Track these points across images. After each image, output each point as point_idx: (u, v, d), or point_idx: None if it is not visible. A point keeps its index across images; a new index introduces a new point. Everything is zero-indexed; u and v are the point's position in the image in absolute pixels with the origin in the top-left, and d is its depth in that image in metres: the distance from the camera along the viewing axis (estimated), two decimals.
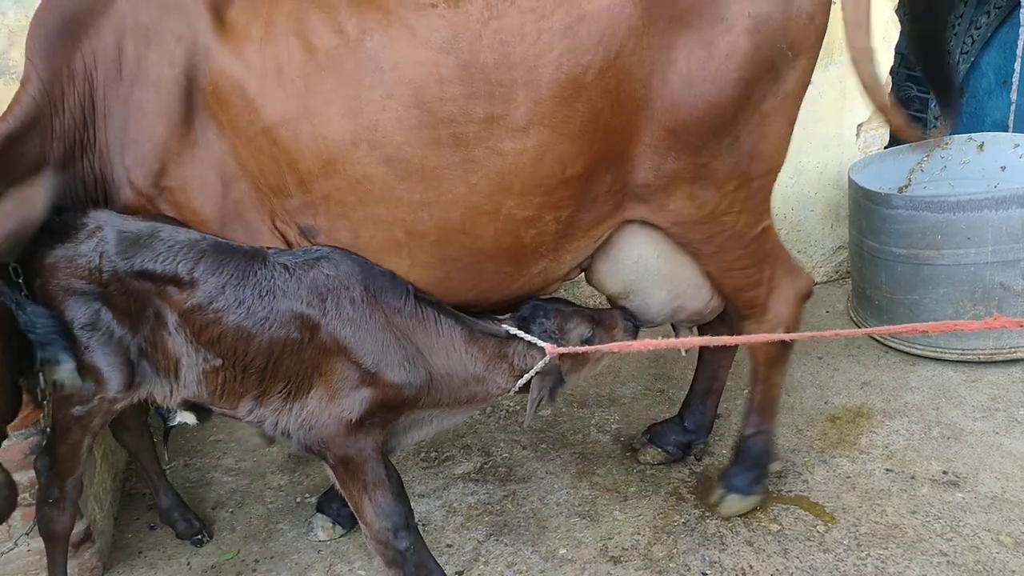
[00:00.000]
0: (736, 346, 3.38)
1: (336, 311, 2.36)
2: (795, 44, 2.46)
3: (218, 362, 2.37)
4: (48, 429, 2.52)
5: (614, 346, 2.56)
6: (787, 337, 2.58)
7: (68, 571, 2.70)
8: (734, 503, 3.10)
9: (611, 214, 2.62)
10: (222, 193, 2.46)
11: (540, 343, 2.53)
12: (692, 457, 3.47)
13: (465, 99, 2.30)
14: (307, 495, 3.40)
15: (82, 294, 2.32)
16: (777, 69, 2.47)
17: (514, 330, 2.55)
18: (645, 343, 2.39)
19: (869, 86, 2.70)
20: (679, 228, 2.66)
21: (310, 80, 2.33)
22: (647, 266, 2.77)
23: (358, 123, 2.33)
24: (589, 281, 2.91)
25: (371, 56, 2.31)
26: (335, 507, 3.15)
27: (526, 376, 2.55)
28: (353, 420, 2.37)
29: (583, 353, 2.62)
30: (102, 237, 2.32)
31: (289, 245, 2.52)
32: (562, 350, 2.53)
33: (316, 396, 2.39)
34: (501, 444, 3.68)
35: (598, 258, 2.79)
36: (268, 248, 2.44)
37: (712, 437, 3.55)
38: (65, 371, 2.32)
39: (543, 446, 3.64)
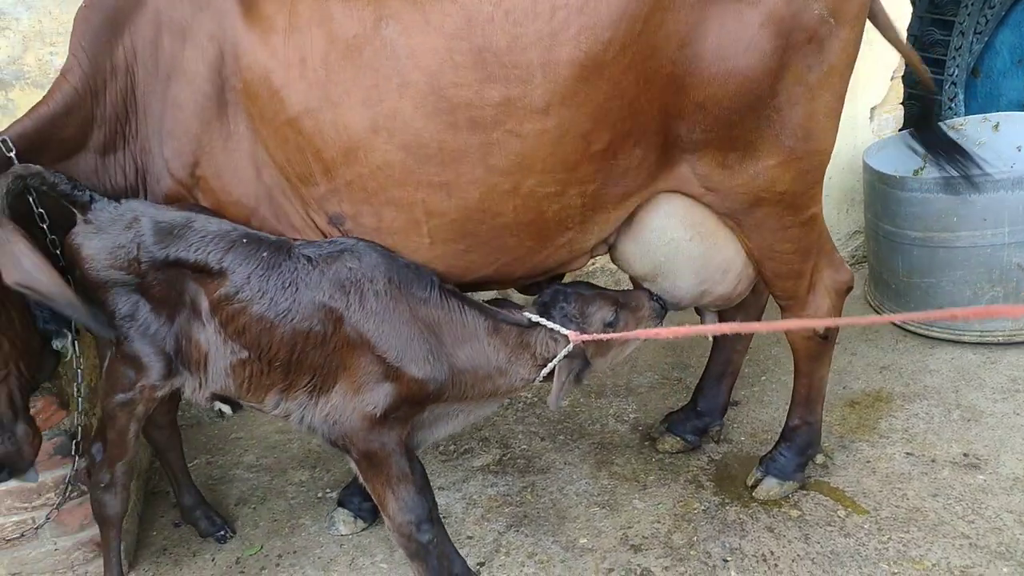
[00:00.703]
0: (751, 336, 3.37)
1: (359, 304, 2.36)
2: (837, 11, 2.41)
3: (244, 354, 2.40)
4: (79, 424, 2.60)
5: (639, 333, 2.54)
6: (818, 323, 2.46)
7: (93, 570, 2.73)
8: (772, 486, 3.11)
9: (643, 186, 2.59)
10: (255, 183, 2.53)
11: (562, 330, 2.49)
12: (711, 443, 3.47)
13: (480, 83, 2.31)
14: (328, 490, 3.43)
15: (122, 284, 2.37)
16: (820, 39, 2.42)
17: (536, 318, 2.52)
18: (672, 330, 2.37)
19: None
20: (715, 197, 2.63)
21: (331, 70, 2.37)
22: (678, 248, 2.75)
23: (377, 111, 2.36)
24: (615, 260, 2.89)
25: (387, 44, 2.33)
26: (356, 502, 3.18)
27: (549, 365, 2.52)
28: (377, 415, 2.38)
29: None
30: (139, 228, 2.36)
31: (323, 233, 2.58)
32: (585, 337, 2.48)
33: (340, 390, 2.41)
34: (519, 436, 3.69)
35: (627, 238, 2.76)
36: (294, 240, 2.47)
37: (731, 424, 3.55)
38: (62, 342, 2.55)
39: (561, 437, 3.65)
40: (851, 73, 2.59)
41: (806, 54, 2.42)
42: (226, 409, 2.59)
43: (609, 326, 2.56)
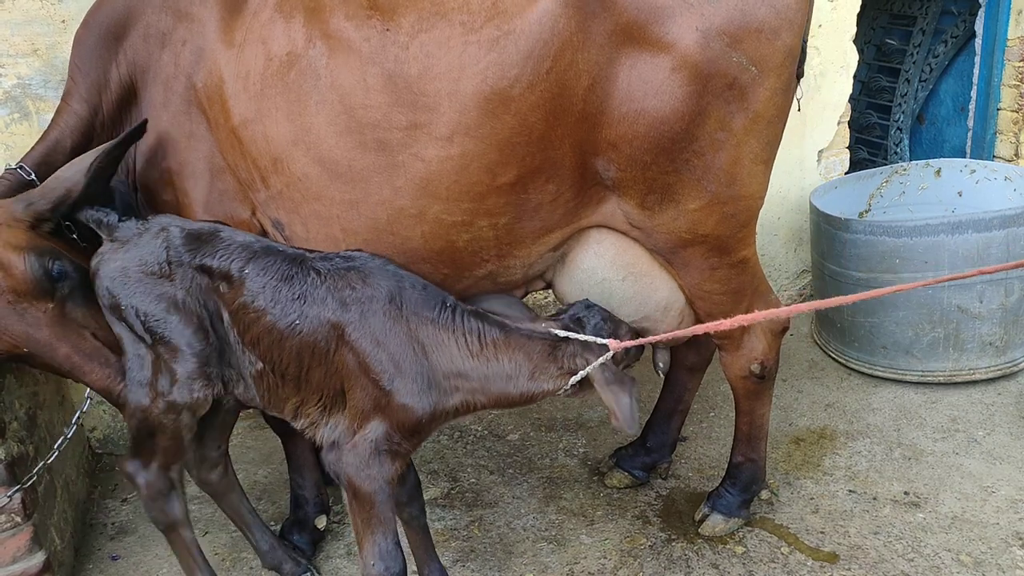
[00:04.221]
0: (703, 373, 3.41)
1: (359, 323, 2.33)
2: (759, 60, 2.43)
3: (260, 365, 2.41)
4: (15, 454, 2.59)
5: (676, 334, 2.50)
6: (845, 300, 2.17)
7: None
8: (717, 523, 3.13)
9: (565, 221, 2.64)
10: (210, 183, 2.65)
11: (599, 340, 2.39)
12: (659, 479, 3.49)
13: (389, 107, 2.42)
14: (272, 523, 3.36)
15: (154, 292, 2.38)
16: (741, 86, 2.44)
17: (564, 333, 2.42)
18: (704, 327, 2.29)
19: None
20: (640, 234, 2.68)
21: (266, 84, 2.52)
22: (611, 289, 2.77)
23: (297, 125, 2.50)
24: (556, 297, 2.93)
25: (311, 63, 2.48)
26: (295, 536, 3.13)
27: (580, 374, 2.40)
28: (370, 448, 2.33)
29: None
30: (168, 235, 2.41)
31: (271, 237, 2.68)
32: (627, 344, 2.40)
33: (343, 418, 2.39)
34: (468, 469, 3.68)
35: (562, 277, 2.81)
36: (311, 252, 2.46)
37: (678, 460, 3.57)
38: None
39: (510, 471, 3.64)
40: (783, 121, 2.62)
41: (727, 100, 2.45)
42: None
43: (626, 357, 2.50)
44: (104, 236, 2.45)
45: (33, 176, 2.61)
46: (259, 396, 2.48)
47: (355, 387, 2.34)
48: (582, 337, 2.40)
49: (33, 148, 2.71)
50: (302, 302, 2.34)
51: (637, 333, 2.55)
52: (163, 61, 2.62)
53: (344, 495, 2.45)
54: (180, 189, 2.67)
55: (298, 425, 2.48)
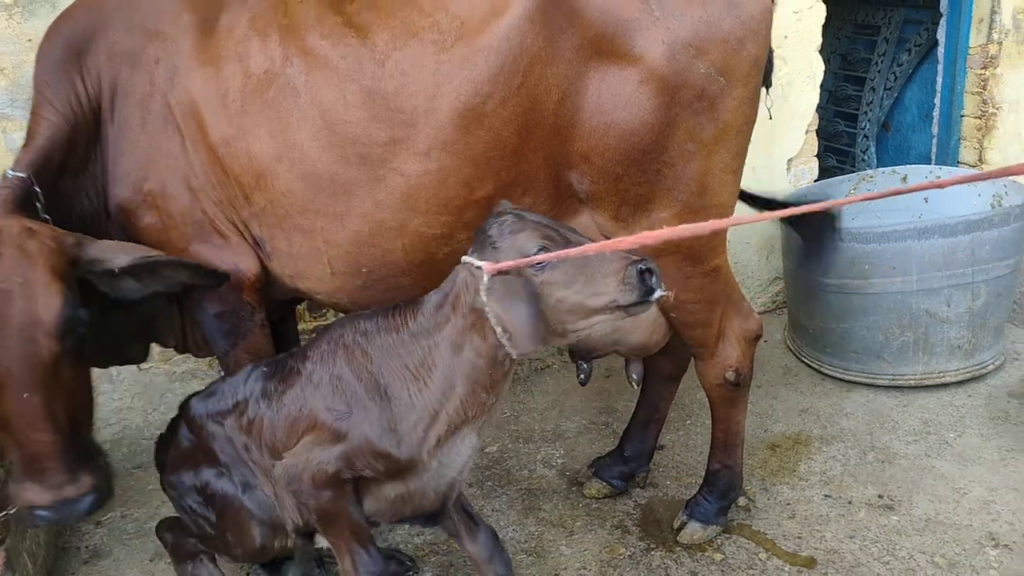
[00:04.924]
0: (678, 381, 3.43)
1: (319, 369, 2.41)
2: (726, 70, 2.49)
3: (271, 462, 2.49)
4: None
5: (561, 254, 2.00)
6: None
7: None
8: (695, 530, 3.15)
9: None
10: (191, 202, 2.62)
11: (475, 261, 2.09)
12: (637, 488, 3.50)
13: (368, 122, 2.46)
14: None
15: (196, 465, 2.60)
16: (710, 97, 2.50)
17: (466, 257, 2.16)
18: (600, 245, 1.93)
19: None
20: None
21: (246, 101, 2.53)
22: None
23: (280, 141, 2.52)
24: None
25: (290, 81, 2.50)
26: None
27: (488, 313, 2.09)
28: (326, 470, 2.34)
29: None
30: (186, 408, 2.66)
31: (256, 252, 2.71)
32: (500, 266, 2.03)
33: (299, 448, 2.41)
34: None
35: None
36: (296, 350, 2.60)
37: (656, 469, 3.59)
38: None
39: (489, 483, 3.64)
40: (751, 130, 2.67)
41: (696, 111, 2.50)
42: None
43: (535, 265, 2.04)
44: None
45: (35, 184, 2.45)
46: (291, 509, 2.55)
47: (316, 423, 2.37)
48: (464, 258, 2.14)
49: (20, 159, 2.55)
50: (281, 391, 2.46)
51: (544, 249, 2.05)
52: (135, 80, 2.59)
53: (316, 524, 2.48)
54: (164, 211, 2.63)
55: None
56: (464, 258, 2.16)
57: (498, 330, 2.12)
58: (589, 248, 1.94)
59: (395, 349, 2.32)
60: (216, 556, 2.69)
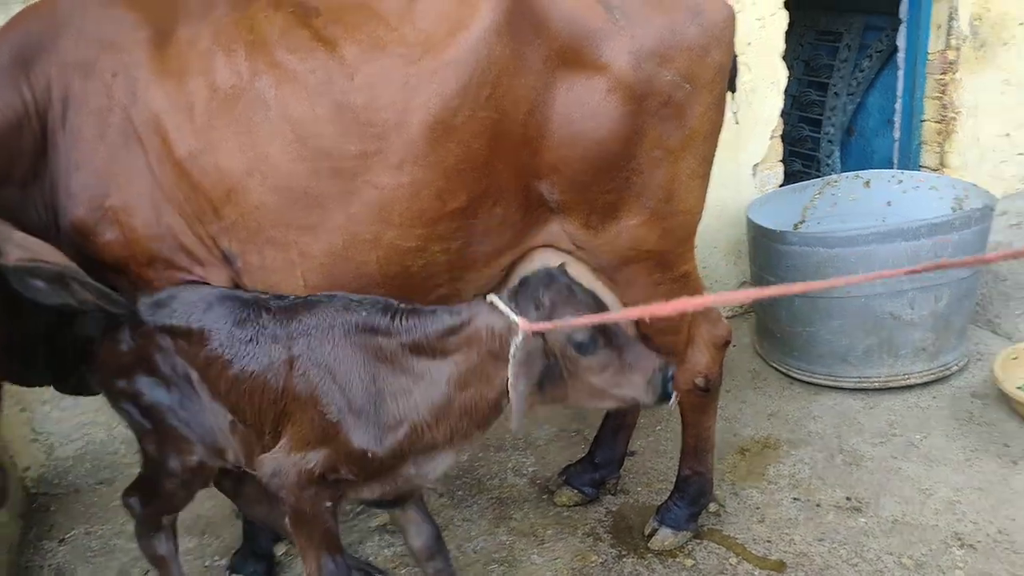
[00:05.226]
0: None
1: (307, 353, 2.30)
2: (692, 77, 2.52)
3: (230, 418, 2.40)
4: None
5: (608, 316, 2.11)
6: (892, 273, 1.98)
7: None
8: (667, 536, 3.15)
9: (513, 243, 2.69)
10: (156, 218, 2.56)
11: (512, 315, 2.11)
12: (608, 495, 3.50)
13: (339, 136, 2.44)
14: (217, 557, 3.30)
15: (136, 371, 2.44)
16: (677, 104, 2.53)
17: (494, 298, 2.18)
18: (640, 311, 1.98)
19: None
20: (585, 254, 2.73)
21: (213, 116, 2.48)
22: None
23: (251, 155, 2.48)
24: None
25: (259, 95, 2.47)
26: (249, 567, 3.07)
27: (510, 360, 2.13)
28: (311, 471, 2.30)
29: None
30: (135, 313, 2.46)
31: (225, 269, 2.63)
32: (537, 327, 2.08)
33: (288, 442, 2.34)
34: None
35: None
36: (264, 294, 2.49)
37: (627, 475, 3.59)
38: None
39: (460, 493, 3.62)
40: (717, 136, 2.70)
41: (663, 118, 2.53)
42: None
43: (579, 347, 2.12)
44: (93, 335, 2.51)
45: None
46: (240, 452, 2.46)
47: (301, 417, 2.31)
48: (500, 306, 2.16)
49: None
50: (254, 343, 2.34)
51: (594, 339, 2.15)
52: (89, 91, 2.53)
53: (287, 521, 2.43)
54: (127, 227, 2.56)
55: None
56: (493, 298, 2.19)
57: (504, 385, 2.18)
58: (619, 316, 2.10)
59: (392, 356, 2.28)
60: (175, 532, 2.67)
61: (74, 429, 3.84)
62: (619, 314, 2.16)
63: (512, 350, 2.10)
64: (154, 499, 2.58)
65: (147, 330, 2.42)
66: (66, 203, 2.55)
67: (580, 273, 2.73)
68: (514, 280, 2.79)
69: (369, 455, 2.27)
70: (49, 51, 2.53)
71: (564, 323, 2.07)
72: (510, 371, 2.11)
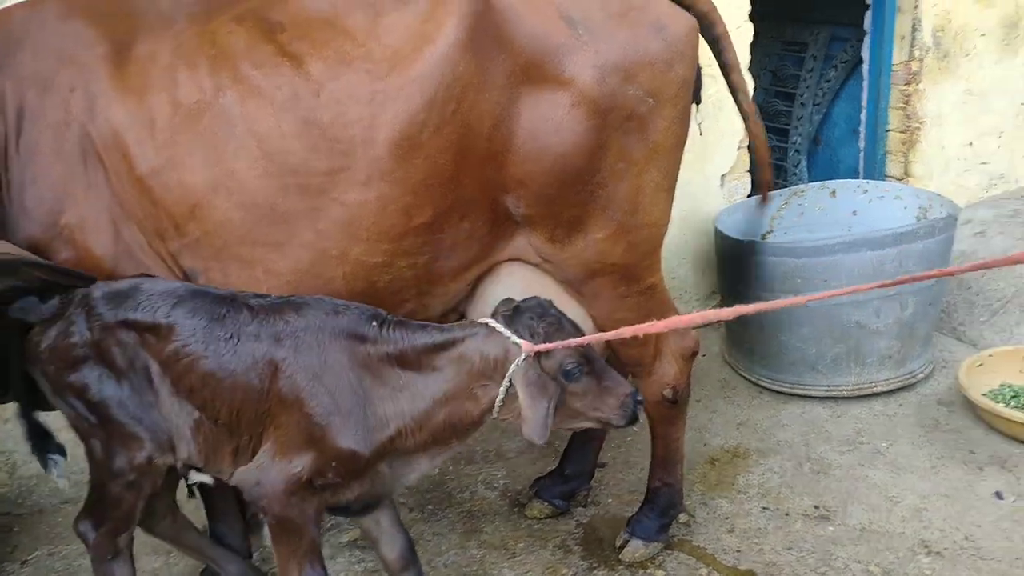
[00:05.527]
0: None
1: (293, 356, 2.29)
2: (655, 91, 2.54)
3: (196, 415, 2.34)
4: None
5: (602, 336, 2.31)
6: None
7: None
8: (637, 548, 3.16)
9: (480, 257, 2.69)
10: (114, 237, 2.52)
11: (515, 338, 2.23)
12: (579, 508, 3.49)
13: (306, 152, 2.43)
14: None
15: (86, 362, 2.33)
16: (640, 117, 2.55)
17: (492, 322, 2.29)
18: (632, 329, 2.17)
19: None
20: (551, 267, 2.74)
21: (176, 132, 2.46)
22: None
23: (216, 172, 2.46)
24: None
25: (224, 111, 2.45)
26: None
27: (506, 378, 2.24)
28: (297, 478, 2.28)
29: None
30: (88, 301, 2.35)
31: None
32: (540, 347, 2.21)
33: (268, 449, 2.32)
34: None
35: (472, 311, 2.81)
36: (241, 292, 2.44)
37: (598, 487, 3.59)
38: None
39: (430, 507, 3.60)
40: (682, 148, 2.72)
41: (627, 132, 2.55)
42: (207, 479, 2.51)
43: (567, 374, 2.27)
44: (33, 321, 2.38)
45: None
46: (198, 451, 2.40)
47: (287, 420, 2.29)
48: (502, 330, 2.26)
49: None
50: (235, 341, 2.31)
51: (579, 365, 2.30)
52: (46, 106, 2.49)
53: (266, 530, 2.40)
54: (82, 246, 2.51)
55: (229, 476, 2.41)
56: (491, 321, 2.30)
57: (502, 405, 2.29)
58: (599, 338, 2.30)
59: (378, 364, 2.32)
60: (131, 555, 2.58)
61: None
62: (613, 333, 2.29)
63: (511, 370, 2.23)
64: (104, 515, 2.48)
65: (107, 324, 2.33)
66: (20, 219, 2.50)
67: (544, 285, 2.75)
68: (483, 296, 2.78)
69: (356, 456, 2.28)
70: (5, 64, 2.50)
71: (564, 343, 2.22)
72: (520, 392, 2.23)
